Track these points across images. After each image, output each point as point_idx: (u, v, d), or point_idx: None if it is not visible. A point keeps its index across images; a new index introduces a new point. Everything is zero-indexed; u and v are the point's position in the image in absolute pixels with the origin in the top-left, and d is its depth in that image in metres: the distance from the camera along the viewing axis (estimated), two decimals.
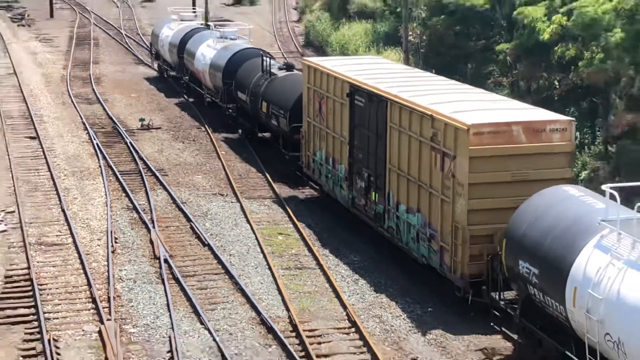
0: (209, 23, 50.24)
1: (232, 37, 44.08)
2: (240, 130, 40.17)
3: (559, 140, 21.47)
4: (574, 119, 22.97)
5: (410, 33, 46.09)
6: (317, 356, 20.37)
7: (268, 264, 25.78)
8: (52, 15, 79.63)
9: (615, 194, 16.40)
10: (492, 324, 20.73)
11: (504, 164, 20.94)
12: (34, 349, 20.74)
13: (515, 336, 19.65)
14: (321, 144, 29.93)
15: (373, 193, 26.20)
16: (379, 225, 26.03)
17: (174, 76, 50.84)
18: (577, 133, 34.02)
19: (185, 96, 48.46)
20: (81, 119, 42.86)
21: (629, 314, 14.50)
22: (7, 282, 24.46)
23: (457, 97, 24.34)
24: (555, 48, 34.37)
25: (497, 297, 20.32)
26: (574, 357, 16.52)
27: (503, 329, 20.33)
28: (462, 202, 21.03)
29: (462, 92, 25.67)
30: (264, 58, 36.91)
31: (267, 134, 37.56)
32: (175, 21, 51.36)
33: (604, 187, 16.82)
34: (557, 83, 35.90)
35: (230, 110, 39.97)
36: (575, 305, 15.93)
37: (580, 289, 15.82)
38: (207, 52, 42.70)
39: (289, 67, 36.20)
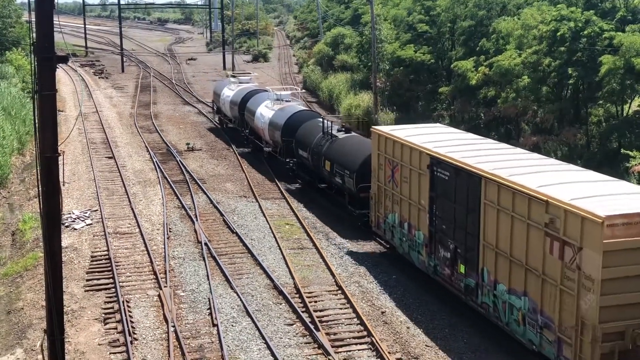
0: (267, 88, 42.43)
1: (286, 99, 38.50)
2: (299, 181, 34.29)
3: None
4: None
5: (378, 80, 46.20)
6: (314, 310, 20.40)
7: (278, 245, 25.78)
8: (123, 70, 79.62)
9: None
10: None
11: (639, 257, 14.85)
12: (112, 307, 20.76)
13: None
14: (394, 208, 23.41)
15: (461, 265, 19.67)
16: (470, 299, 19.33)
17: (233, 128, 45.75)
18: None
19: (249, 144, 42.27)
20: (144, 143, 42.83)
21: None
22: (92, 261, 24.46)
23: (561, 177, 17.49)
24: (481, 90, 34.47)
25: None
26: None
27: None
28: (591, 298, 14.80)
29: (560, 171, 18.46)
30: (324, 121, 31.45)
31: (323, 185, 31.20)
32: (234, 83, 46.20)
33: None
34: (482, 115, 36.00)
35: (290, 164, 34.20)
36: None
37: None
38: (266, 112, 37.40)
39: (347, 129, 30.62)
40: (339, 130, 30.30)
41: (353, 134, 30.45)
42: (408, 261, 22.95)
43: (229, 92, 44.96)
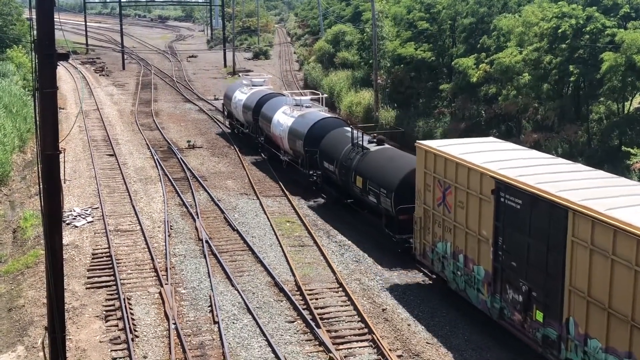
0: (284, 92, 39.30)
1: (306, 104, 35.19)
2: (324, 195, 31.04)
3: None
4: None
5: (379, 78, 46.18)
6: (315, 308, 20.40)
7: (279, 242, 25.78)
8: (123, 68, 79.57)
9: None
10: None
11: None
12: (113, 305, 20.76)
13: None
14: (445, 236, 20.13)
15: (537, 312, 16.50)
16: (549, 352, 16.18)
17: (246, 133, 42.26)
18: None
19: (263, 154, 38.97)
20: (145, 141, 42.83)
21: None
22: (93, 258, 24.47)
23: None
24: (482, 87, 34.45)
25: None
26: None
27: None
28: None
29: None
30: (354, 130, 28.22)
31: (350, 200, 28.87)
32: (247, 86, 42.74)
33: None
34: (483, 112, 35.99)
35: (314, 178, 31.19)
36: None
37: None
38: (285, 119, 34.19)
39: (379, 141, 27.26)
40: (370, 142, 27.22)
41: (386, 146, 27.37)
42: (464, 299, 19.84)
43: (242, 95, 41.99)
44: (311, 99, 36.48)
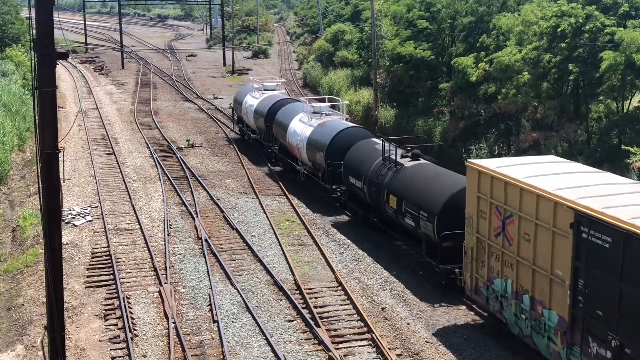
0: (300, 99, 36.59)
1: (326, 112, 32.29)
2: (348, 213, 28.90)
3: None
4: None
5: (378, 76, 46.16)
6: (315, 306, 20.41)
7: (279, 241, 25.78)
8: (123, 67, 79.52)
9: None
10: None
11: None
12: (112, 304, 20.76)
13: None
14: (505, 272, 17.31)
15: None
16: None
17: (257, 140, 39.99)
18: (496, 146, 34.17)
19: (270, 165, 37.04)
20: (145, 140, 42.82)
21: None
22: (93, 257, 24.47)
23: None
24: (481, 86, 34.43)
25: None
26: None
27: None
28: None
29: None
30: (384, 142, 25.48)
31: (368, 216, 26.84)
32: (258, 90, 40.31)
33: None
34: (482, 111, 35.96)
35: (338, 194, 28.78)
36: None
37: None
38: (302, 128, 31.57)
39: (414, 155, 24.43)
40: (403, 156, 24.46)
41: (423, 161, 24.46)
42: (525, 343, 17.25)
43: (253, 100, 39.51)
44: (331, 106, 33.61)
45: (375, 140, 27.48)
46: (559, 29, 29.52)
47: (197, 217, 28.17)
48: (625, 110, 29.42)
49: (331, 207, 29.79)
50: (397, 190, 23.34)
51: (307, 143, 30.66)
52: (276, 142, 35.96)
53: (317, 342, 18.50)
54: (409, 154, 24.56)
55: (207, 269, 23.07)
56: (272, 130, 35.78)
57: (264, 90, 40.29)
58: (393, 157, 24.40)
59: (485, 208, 17.98)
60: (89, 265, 23.70)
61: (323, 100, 35.66)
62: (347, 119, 32.81)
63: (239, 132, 43.86)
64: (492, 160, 19.82)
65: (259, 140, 39.38)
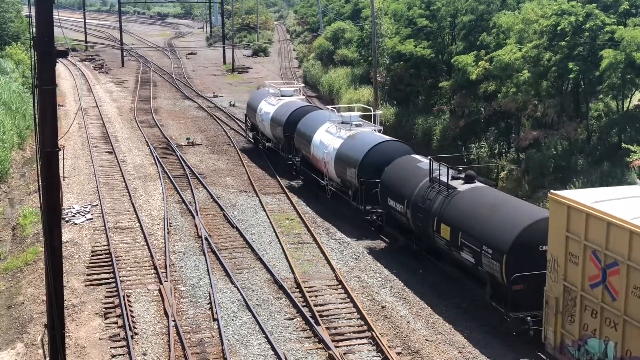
0: (328, 107, 32.24)
1: (356, 122, 29.00)
2: (385, 238, 25.86)
3: None
4: None
5: (378, 75, 46.14)
6: (315, 305, 20.41)
7: (279, 240, 25.78)
8: (123, 65, 79.51)
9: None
10: None
11: None
12: (112, 302, 20.76)
13: None
14: (605, 332, 14.28)
15: None
16: None
17: (272, 149, 37.21)
18: (497, 145, 34.18)
19: (300, 178, 33.67)
20: (144, 138, 42.80)
21: None
22: (93, 255, 24.46)
23: None
24: (481, 84, 34.42)
25: None
26: None
27: None
28: None
29: None
30: (432, 162, 22.01)
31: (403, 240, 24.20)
32: (274, 95, 37.32)
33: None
34: (482, 110, 35.96)
35: (374, 217, 25.67)
36: None
37: None
38: (329, 140, 28.66)
39: (468, 177, 21.14)
40: (454, 177, 21.28)
41: (479, 184, 21.17)
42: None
43: (269, 107, 36.58)
44: (361, 116, 30.29)
45: (417, 157, 24.58)
46: (559, 27, 29.50)
47: (197, 215, 28.17)
48: (625, 109, 29.41)
49: (364, 229, 26.67)
50: (450, 218, 20.11)
51: (336, 157, 27.75)
52: (297, 153, 33.14)
53: (317, 340, 18.50)
54: (462, 176, 21.41)
55: (207, 267, 23.08)
56: (293, 140, 32.89)
57: (281, 95, 37.37)
58: (443, 178, 21.19)
59: (578, 251, 14.84)
60: (89, 263, 23.70)
61: (351, 109, 32.35)
62: (380, 131, 29.44)
63: (252, 140, 40.90)
64: (584, 192, 16.16)
65: (275, 150, 36.76)
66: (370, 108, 32.30)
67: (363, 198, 25.73)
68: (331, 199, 29.65)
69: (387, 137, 27.76)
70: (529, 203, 19.06)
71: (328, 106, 31.39)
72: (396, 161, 24.64)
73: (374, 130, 28.94)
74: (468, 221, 19.41)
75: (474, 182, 21.03)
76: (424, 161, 23.44)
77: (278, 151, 36.17)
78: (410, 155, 25.09)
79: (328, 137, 29.08)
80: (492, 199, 19.83)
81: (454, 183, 20.98)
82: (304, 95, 38.50)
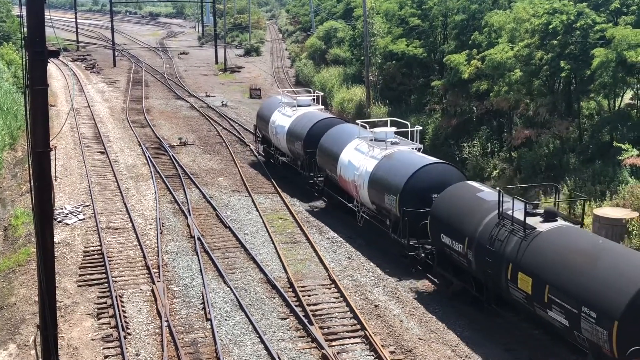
0: (363, 123, 27.44)
1: (392, 140, 25.33)
2: (434, 279, 22.09)
3: None
4: None
5: (370, 74, 46.18)
6: (308, 304, 20.42)
7: (272, 239, 25.76)
8: (114, 65, 79.27)
9: None
10: None
11: None
12: (105, 302, 20.72)
13: None
14: None
15: None
16: None
17: (286, 164, 34.02)
18: (489, 143, 34.24)
19: (323, 199, 30.62)
20: (137, 138, 42.70)
21: None
22: (85, 256, 24.41)
23: None
24: (473, 83, 34.49)
25: None
26: None
27: None
28: None
29: None
30: (502, 195, 18.11)
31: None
32: (289, 105, 34.08)
33: None
34: (474, 108, 36.02)
35: (422, 254, 21.93)
36: None
37: None
38: (360, 160, 25.19)
39: (549, 214, 17.29)
40: (529, 214, 17.35)
41: (563, 222, 17.44)
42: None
43: (284, 119, 33.12)
44: (396, 132, 26.49)
45: (475, 184, 21.07)
46: (550, 26, 29.59)
47: (190, 215, 28.13)
48: (617, 108, 29.52)
49: (403, 265, 23.19)
50: (532, 267, 16.34)
51: (370, 180, 24.28)
52: (320, 171, 29.99)
53: (310, 339, 18.51)
54: (540, 211, 17.70)
55: (200, 267, 23.05)
56: (316, 158, 29.65)
57: (298, 105, 34.10)
58: (517, 214, 17.48)
59: None
60: (81, 263, 23.64)
61: (384, 123, 28.75)
62: (420, 150, 25.66)
63: (262, 153, 37.28)
64: None
65: (291, 166, 33.60)
66: (407, 123, 28.03)
67: (406, 230, 22.04)
68: (363, 225, 26.09)
69: (434, 159, 23.83)
70: (635, 251, 15.39)
71: (357, 121, 28.18)
72: (450, 189, 20.91)
73: (414, 149, 25.28)
74: (559, 272, 15.59)
75: (556, 220, 17.28)
76: (485, 190, 19.99)
77: (296, 168, 32.89)
78: (467, 182, 21.43)
79: (358, 156, 25.64)
80: (587, 245, 15.90)
81: (531, 221, 17.24)
82: (322, 106, 35.28)
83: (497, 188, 19.67)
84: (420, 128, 27.48)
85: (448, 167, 23.09)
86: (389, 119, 29.63)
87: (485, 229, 18.23)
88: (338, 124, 30.22)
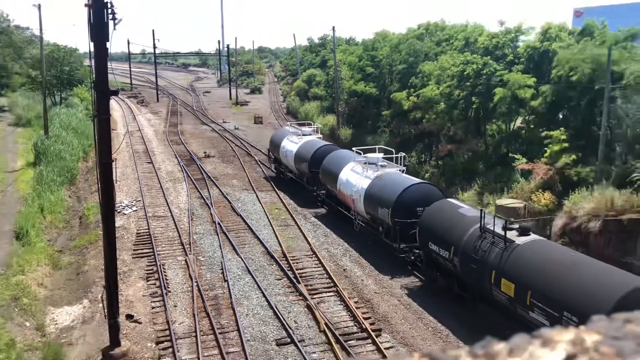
0: (353, 149, 26.24)
1: (381, 163, 23.54)
2: (420, 276, 19.89)
3: None
4: None
5: (339, 106, 46.23)
6: (296, 269, 20.36)
7: (270, 223, 25.67)
8: (157, 100, 78.51)
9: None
10: None
11: None
12: (152, 269, 20.53)
13: None
14: None
15: None
16: None
17: (294, 180, 32.13)
18: (423, 155, 34.39)
19: (325, 207, 28.67)
20: (174, 152, 42.38)
21: None
22: (137, 236, 24.17)
23: None
24: (411, 113, 34.63)
25: None
26: None
27: None
28: None
29: None
30: (484, 213, 16.31)
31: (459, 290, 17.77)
32: (296, 134, 32.47)
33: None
34: (412, 130, 36.17)
35: (412, 257, 20.19)
36: None
37: None
38: (357, 180, 23.50)
39: (523, 230, 15.16)
40: (505, 228, 15.17)
41: (536, 237, 15.18)
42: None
43: (292, 145, 31.67)
44: (384, 157, 24.45)
45: (455, 201, 19.12)
46: (465, 73, 29.83)
47: (212, 207, 27.97)
48: (511, 129, 29.81)
49: (398, 266, 20.77)
50: (514, 274, 14.17)
51: (366, 196, 22.41)
52: (322, 186, 28.28)
53: (298, 294, 18.47)
54: (515, 226, 15.44)
55: (220, 243, 22.92)
56: (319, 176, 27.95)
57: (302, 135, 32.44)
58: (497, 229, 15.48)
59: None
60: (135, 242, 23.42)
61: (373, 150, 26.99)
62: (403, 171, 23.47)
63: (274, 171, 35.58)
64: None
65: (297, 180, 31.73)
66: (392, 150, 26.10)
67: (397, 237, 20.49)
68: (359, 232, 24.17)
69: (418, 180, 21.87)
70: (608, 265, 12.98)
71: (353, 148, 26.54)
72: (435, 204, 18.94)
73: (399, 170, 23.29)
74: (538, 280, 13.37)
75: (529, 234, 15.07)
76: (464, 207, 18.07)
77: (302, 182, 31.03)
78: (448, 199, 19.48)
79: (354, 176, 23.90)
80: (562, 256, 13.63)
81: (509, 234, 15.07)
82: (321, 135, 33.81)
83: (480, 208, 17.89)
84: (404, 154, 25.77)
85: (430, 187, 21.25)
86: (377, 146, 28.25)
87: (469, 239, 16.15)
88: (336, 150, 28.64)
